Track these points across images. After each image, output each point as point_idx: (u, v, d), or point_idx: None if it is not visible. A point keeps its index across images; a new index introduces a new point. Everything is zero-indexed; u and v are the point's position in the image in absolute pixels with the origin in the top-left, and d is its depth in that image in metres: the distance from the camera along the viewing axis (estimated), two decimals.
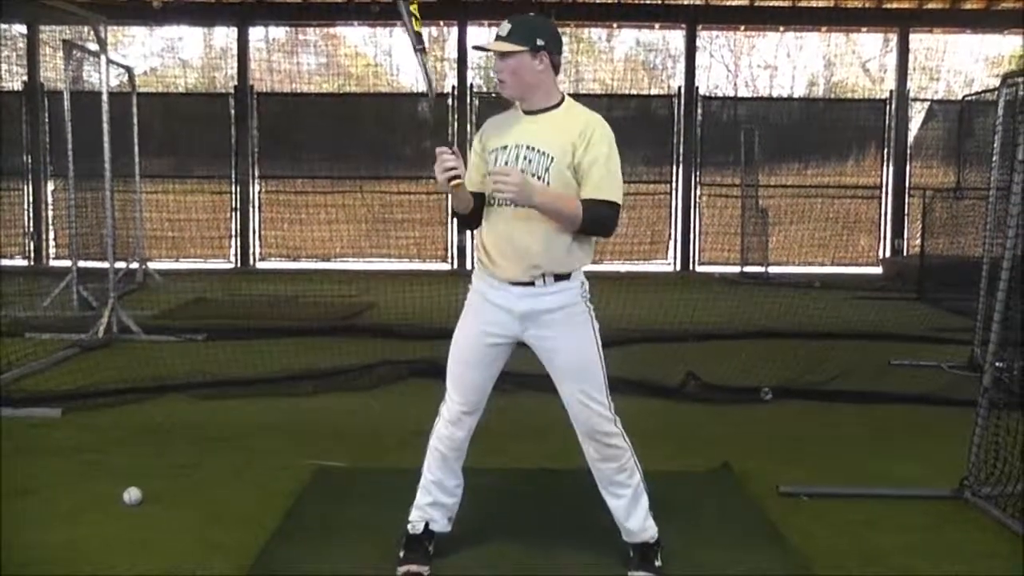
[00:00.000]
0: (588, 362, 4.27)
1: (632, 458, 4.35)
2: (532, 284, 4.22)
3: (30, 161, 17.70)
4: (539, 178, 4.14)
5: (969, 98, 16.68)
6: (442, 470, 4.45)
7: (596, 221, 4.17)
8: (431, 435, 4.46)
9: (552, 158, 4.15)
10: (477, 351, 4.36)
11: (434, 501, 4.47)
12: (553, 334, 4.25)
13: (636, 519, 4.41)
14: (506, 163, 4.20)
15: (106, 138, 10.37)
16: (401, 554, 4.42)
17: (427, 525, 4.47)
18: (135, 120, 14.51)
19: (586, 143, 4.15)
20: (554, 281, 4.23)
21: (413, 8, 4.17)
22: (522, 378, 6.70)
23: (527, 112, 4.30)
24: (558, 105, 4.28)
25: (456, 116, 17.96)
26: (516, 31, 4.19)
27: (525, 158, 4.19)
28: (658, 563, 4.41)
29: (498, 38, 4.22)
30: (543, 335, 4.27)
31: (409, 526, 4.48)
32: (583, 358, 4.27)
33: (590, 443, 4.32)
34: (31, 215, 18.02)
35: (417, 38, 4.16)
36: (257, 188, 18.42)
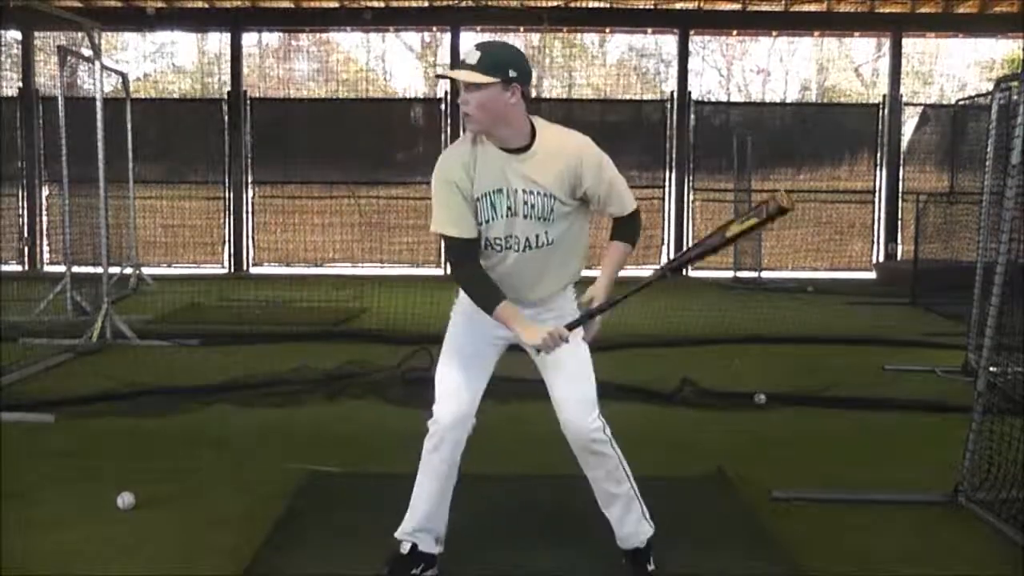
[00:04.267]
0: (583, 363, 4.26)
1: (621, 466, 4.31)
2: (535, 304, 4.25)
3: (24, 167, 17.66)
4: (546, 220, 4.07)
5: (962, 102, 16.72)
6: (438, 491, 4.33)
7: (636, 233, 4.36)
8: (422, 456, 4.31)
9: (555, 198, 4.06)
10: (472, 346, 4.31)
11: (425, 521, 4.35)
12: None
13: (628, 525, 4.39)
14: (508, 208, 4.07)
15: (100, 144, 10.37)
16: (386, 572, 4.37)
17: (415, 546, 4.36)
18: (129, 126, 14.50)
19: (592, 174, 4.08)
20: (563, 289, 4.30)
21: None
22: (514, 384, 6.69)
23: (505, 150, 4.06)
24: (534, 137, 4.07)
25: (449, 123, 17.94)
26: (486, 60, 3.93)
27: (527, 203, 4.06)
28: (651, 567, 4.41)
29: (464, 66, 3.95)
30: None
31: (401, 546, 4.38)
32: (579, 359, 4.25)
33: (580, 449, 4.26)
34: (25, 220, 17.99)
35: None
36: (250, 193, 18.38)
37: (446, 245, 4.18)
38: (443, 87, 18.74)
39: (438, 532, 4.39)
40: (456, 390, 4.26)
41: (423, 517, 4.34)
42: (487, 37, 19.54)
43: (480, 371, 4.32)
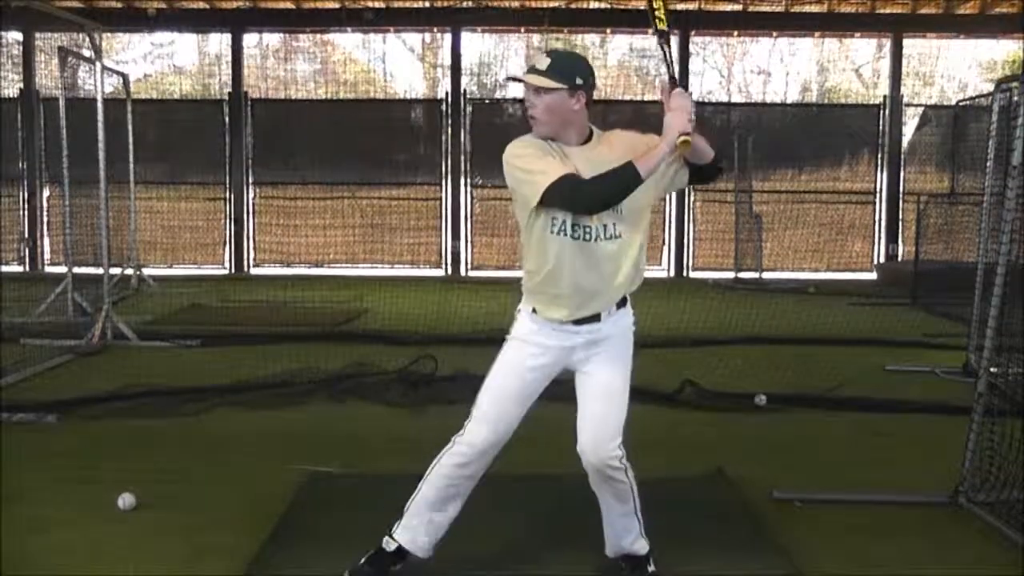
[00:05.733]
0: (623, 390, 4.28)
1: (631, 490, 4.29)
2: (598, 319, 4.21)
3: (25, 167, 17.68)
4: (615, 210, 4.03)
5: (963, 103, 16.72)
6: (450, 503, 4.32)
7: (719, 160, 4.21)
8: (441, 468, 4.28)
9: None
10: (523, 380, 4.24)
11: (428, 525, 4.33)
12: (605, 354, 4.25)
13: (628, 540, 4.41)
14: None
15: (101, 144, 10.38)
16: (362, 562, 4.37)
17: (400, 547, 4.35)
18: (130, 126, 14.50)
19: (641, 140, 4.11)
20: (616, 309, 4.26)
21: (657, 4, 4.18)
22: None
23: (569, 145, 4.09)
24: (591, 135, 4.15)
25: (450, 123, 17.95)
26: (555, 66, 4.01)
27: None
28: (651, 568, 4.42)
29: (534, 71, 4.04)
30: (594, 353, 4.24)
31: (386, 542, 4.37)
32: (621, 383, 4.28)
33: (595, 472, 4.22)
34: (26, 221, 18.00)
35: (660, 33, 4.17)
36: (251, 194, 18.40)
37: (559, 190, 3.91)
38: (444, 88, 18.75)
39: (432, 538, 4.35)
40: (497, 419, 4.22)
41: (426, 525, 4.32)
42: (488, 38, 19.60)
43: (524, 402, 4.27)
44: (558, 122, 4.04)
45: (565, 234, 4.03)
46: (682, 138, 3.89)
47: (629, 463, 4.25)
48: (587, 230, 4.02)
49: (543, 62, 4.03)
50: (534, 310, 4.21)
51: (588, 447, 4.18)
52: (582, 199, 3.96)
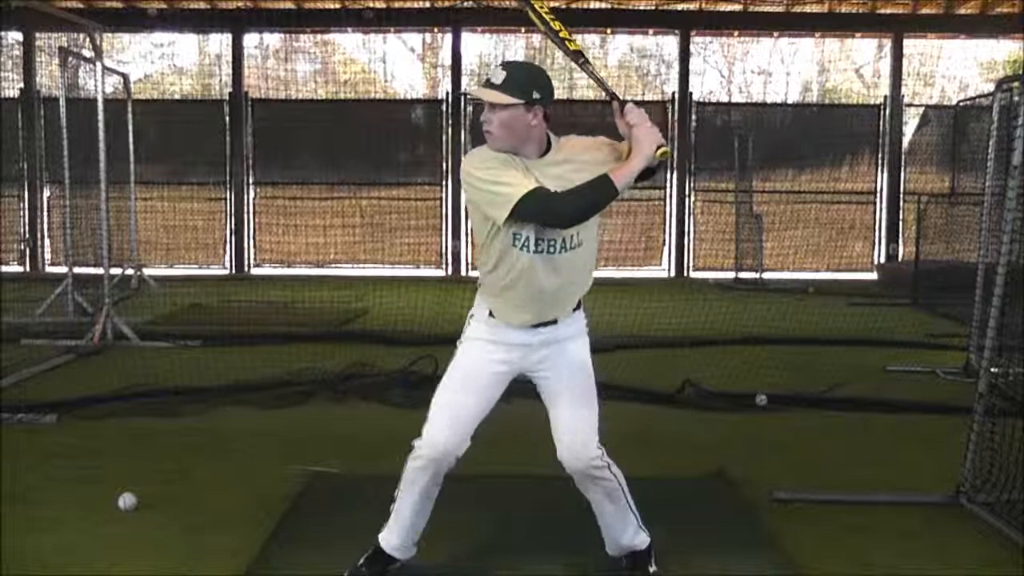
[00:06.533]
0: (589, 389, 4.23)
1: (619, 486, 4.27)
2: (555, 322, 4.16)
3: (26, 168, 17.69)
4: None
5: (963, 103, 16.72)
6: (421, 502, 4.31)
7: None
8: (406, 474, 4.28)
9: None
10: (481, 378, 4.19)
11: (412, 533, 4.37)
12: (563, 359, 4.20)
13: (624, 537, 4.39)
14: None
15: (101, 145, 10.38)
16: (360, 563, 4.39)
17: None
18: (130, 127, 14.50)
19: (597, 145, 4.10)
20: (571, 312, 4.19)
21: (557, 26, 4.11)
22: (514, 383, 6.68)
23: (530, 158, 4.01)
24: (550, 145, 4.05)
25: (451, 123, 17.94)
26: (511, 81, 3.91)
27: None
28: (652, 568, 4.42)
29: (489, 85, 3.94)
30: (551, 356, 4.19)
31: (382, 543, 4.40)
32: (586, 385, 4.23)
33: (580, 476, 4.22)
34: (27, 221, 18.00)
35: (576, 54, 4.10)
36: (252, 194, 18.41)
37: (531, 205, 3.85)
38: (444, 88, 18.75)
39: (410, 550, 4.40)
40: (453, 422, 4.16)
41: (409, 528, 4.34)
42: (488, 38, 19.59)
43: (483, 405, 4.22)
44: (515, 137, 3.95)
45: (528, 250, 3.98)
46: (661, 149, 3.91)
47: (611, 459, 4.24)
48: (551, 243, 3.98)
49: (498, 76, 3.94)
50: (491, 313, 4.16)
51: (567, 455, 4.18)
52: (559, 213, 3.91)
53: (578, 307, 4.24)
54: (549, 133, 4.08)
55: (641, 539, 4.42)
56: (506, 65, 4.03)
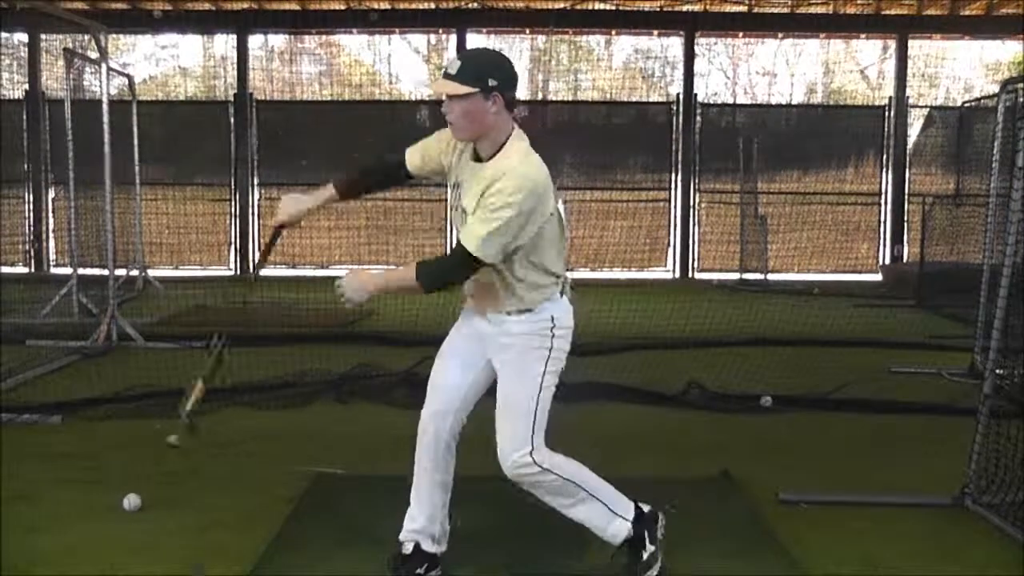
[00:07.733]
0: (524, 397, 4.11)
1: (565, 481, 4.21)
2: (485, 314, 4.22)
3: (31, 169, 17.70)
4: None
5: (968, 104, 16.69)
6: (427, 484, 4.35)
7: (431, 276, 4.05)
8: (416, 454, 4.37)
9: (465, 213, 4.02)
10: (455, 344, 4.35)
11: (425, 521, 4.37)
12: (506, 358, 4.17)
13: (612, 528, 4.31)
14: (453, 207, 4.22)
15: (106, 146, 10.37)
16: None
17: (417, 545, 4.37)
18: (135, 128, 14.52)
19: (490, 192, 3.87)
20: (504, 314, 4.14)
21: None
22: None
23: (476, 159, 4.06)
24: (499, 148, 3.98)
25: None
26: (465, 70, 3.89)
27: (456, 208, 4.17)
28: (646, 555, 4.32)
29: (446, 75, 3.92)
30: (499, 357, 4.20)
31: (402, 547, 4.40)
32: (516, 393, 4.13)
33: (515, 480, 4.22)
34: (32, 222, 18.02)
35: None
36: (256, 195, 18.41)
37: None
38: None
39: (433, 531, 4.38)
40: (433, 388, 4.33)
41: (420, 516, 4.35)
42: (493, 39, 19.57)
43: (463, 368, 4.30)
44: (476, 127, 3.95)
45: None
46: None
47: (554, 460, 4.19)
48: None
49: (454, 66, 3.93)
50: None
51: (499, 459, 4.18)
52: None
53: (525, 311, 4.12)
54: (514, 131, 4.03)
55: (618, 526, 4.30)
56: (462, 54, 4.08)
